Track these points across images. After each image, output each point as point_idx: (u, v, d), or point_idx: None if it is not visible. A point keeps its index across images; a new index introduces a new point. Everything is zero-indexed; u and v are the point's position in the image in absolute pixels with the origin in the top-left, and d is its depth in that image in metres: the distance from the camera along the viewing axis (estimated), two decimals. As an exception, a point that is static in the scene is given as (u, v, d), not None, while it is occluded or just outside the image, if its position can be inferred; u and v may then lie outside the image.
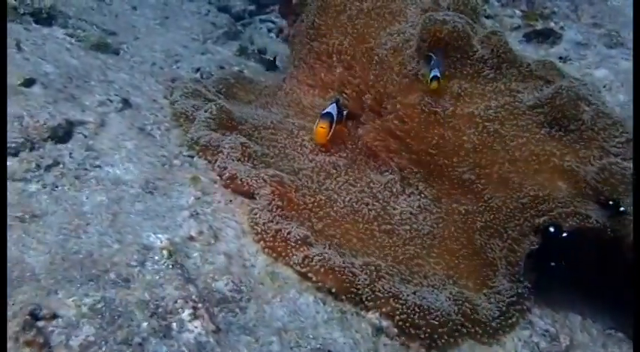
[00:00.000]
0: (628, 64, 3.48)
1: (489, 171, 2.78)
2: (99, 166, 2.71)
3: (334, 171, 3.01)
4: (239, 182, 2.76)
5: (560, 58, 3.56)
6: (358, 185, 2.96)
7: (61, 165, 2.62)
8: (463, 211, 2.84)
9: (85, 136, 2.87)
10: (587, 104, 2.81)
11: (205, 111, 3.10)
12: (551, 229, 2.62)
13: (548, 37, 3.73)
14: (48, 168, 2.58)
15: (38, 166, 2.56)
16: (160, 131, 3.14)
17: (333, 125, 3.13)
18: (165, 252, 2.26)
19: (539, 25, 3.78)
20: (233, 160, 2.80)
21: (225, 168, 2.79)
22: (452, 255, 2.72)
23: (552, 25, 3.76)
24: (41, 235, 2.23)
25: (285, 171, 2.87)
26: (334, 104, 3.21)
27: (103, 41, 4.24)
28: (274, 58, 4.66)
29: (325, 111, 3.14)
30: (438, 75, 2.86)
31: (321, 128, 3.07)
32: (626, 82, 3.34)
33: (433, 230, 2.80)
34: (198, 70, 4.58)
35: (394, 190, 2.95)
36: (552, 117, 2.79)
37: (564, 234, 2.59)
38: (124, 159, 2.80)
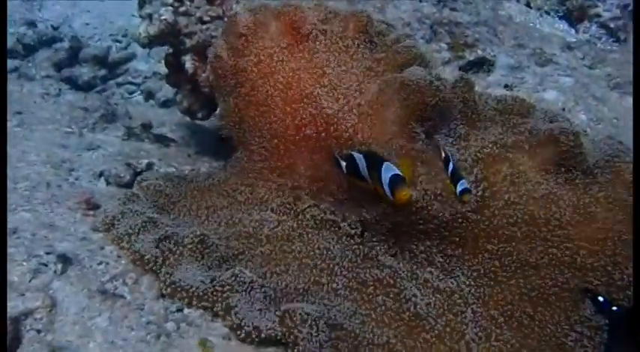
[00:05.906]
0: (569, 80, 3.51)
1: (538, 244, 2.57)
2: (80, 370, 2.05)
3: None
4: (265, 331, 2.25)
5: (506, 85, 3.50)
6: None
7: (33, 391, 1.93)
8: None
9: (39, 331, 2.16)
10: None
11: (178, 247, 2.53)
12: (600, 299, 2.42)
13: (482, 65, 3.65)
14: (19, 403, 1.89)
15: (6, 407, 1.86)
16: (127, 286, 2.48)
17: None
18: None
19: (468, 55, 3.69)
20: (249, 308, 2.28)
21: (243, 320, 2.25)
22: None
23: (480, 52, 3.69)
24: None
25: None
26: (386, 161, 2.39)
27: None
28: None
29: (391, 173, 2.29)
30: (468, 187, 2.45)
31: (404, 195, 2.25)
32: (580, 99, 3.35)
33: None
34: (101, 175, 3.85)
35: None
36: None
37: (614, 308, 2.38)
38: (106, 346, 2.16)
